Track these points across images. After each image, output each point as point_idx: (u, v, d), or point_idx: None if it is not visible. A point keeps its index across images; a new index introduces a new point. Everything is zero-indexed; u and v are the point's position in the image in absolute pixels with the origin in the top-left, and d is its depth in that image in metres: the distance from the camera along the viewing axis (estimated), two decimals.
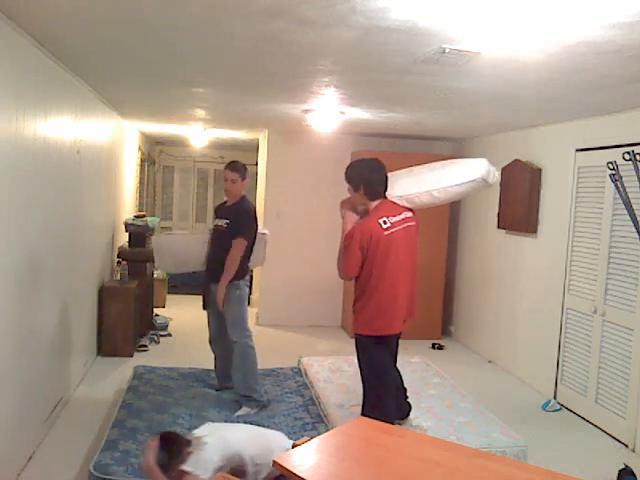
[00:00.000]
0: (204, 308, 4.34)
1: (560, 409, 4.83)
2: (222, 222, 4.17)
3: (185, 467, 2.44)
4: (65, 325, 4.24)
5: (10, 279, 3.07)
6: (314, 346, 6.37)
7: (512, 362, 5.74)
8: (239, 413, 4.01)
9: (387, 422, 2.92)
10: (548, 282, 5.17)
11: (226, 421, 3.85)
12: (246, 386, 4.08)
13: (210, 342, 4.42)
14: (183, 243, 4.48)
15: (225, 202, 4.40)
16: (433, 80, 3.61)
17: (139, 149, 8.40)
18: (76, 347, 4.66)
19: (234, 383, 4.18)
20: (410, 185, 3.46)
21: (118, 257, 6.06)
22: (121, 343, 5.49)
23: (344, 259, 3.35)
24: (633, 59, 2.84)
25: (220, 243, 4.13)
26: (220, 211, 4.32)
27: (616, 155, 4.20)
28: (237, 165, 4.22)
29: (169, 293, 7.88)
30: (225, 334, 4.16)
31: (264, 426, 3.79)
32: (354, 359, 5.11)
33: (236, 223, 4.11)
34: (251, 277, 8.32)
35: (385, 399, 3.47)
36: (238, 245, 4.03)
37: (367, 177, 3.34)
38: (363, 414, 3.38)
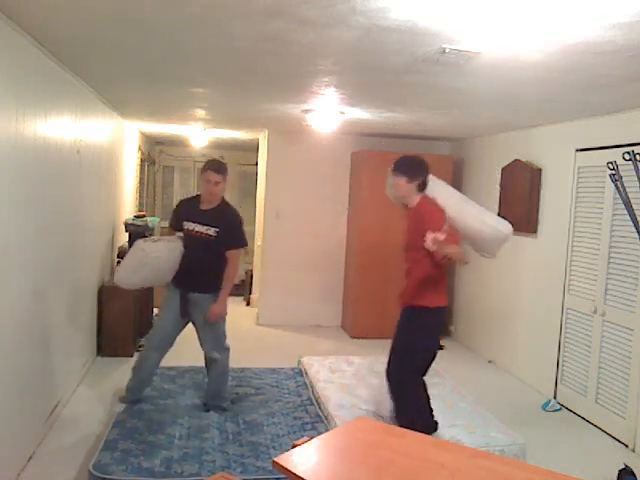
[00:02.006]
0: (182, 316, 4.00)
1: (560, 409, 4.83)
2: (207, 229, 3.88)
3: None
4: (65, 325, 4.24)
5: (9, 279, 3.07)
6: (314, 346, 6.37)
7: (512, 362, 5.74)
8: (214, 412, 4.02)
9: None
10: (548, 282, 5.17)
11: (226, 420, 3.85)
12: (219, 397, 4.09)
13: (151, 349, 4.07)
14: (168, 251, 3.94)
15: (193, 200, 4.07)
16: (433, 80, 3.61)
17: (139, 149, 8.40)
18: (76, 347, 4.67)
19: (207, 392, 4.15)
20: (447, 197, 3.72)
21: (118, 257, 6.06)
22: (121, 343, 5.49)
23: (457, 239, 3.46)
24: (633, 59, 2.84)
25: (205, 251, 3.89)
26: (197, 215, 3.94)
27: (616, 155, 4.19)
28: (222, 165, 3.96)
29: None
30: (171, 343, 4.07)
31: (264, 425, 3.80)
32: (354, 359, 5.14)
33: (230, 232, 3.90)
34: (251, 277, 8.40)
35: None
36: (239, 256, 3.96)
37: (425, 174, 3.61)
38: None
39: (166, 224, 4.57)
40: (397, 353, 3.61)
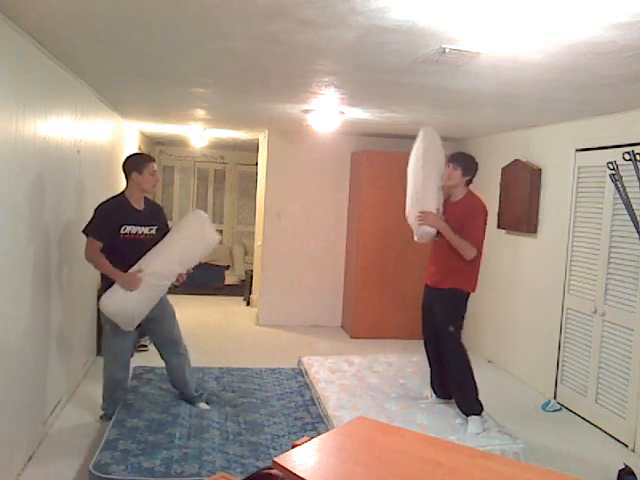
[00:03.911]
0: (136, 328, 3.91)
1: (560, 409, 4.83)
2: (149, 230, 3.85)
3: None
4: (65, 325, 4.24)
5: (10, 279, 3.07)
6: (314, 346, 6.37)
7: (512, 362, 5.74)
8: (208, 407, 4.07)
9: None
10: (548, 282, 5.17)
11: (226, 420, 3.85)
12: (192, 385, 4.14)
13: (120, 370, 4.05)
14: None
15: (120, 202, 3.85)
16: (433, 80, 3.61)
17: (139, 149, 8.39)
18: (76, 347, 4.67)
19: (191, 385, 4.12)
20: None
21: None
22: None
23: (477, 235, 3.85)
24: (633, 59, 2.84)
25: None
26: (135, 217, 3.81)
27: (616, 155, 4.19)
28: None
29: (168, 293, 7.85)
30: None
31: (264, 426, 3.80)
32: (354, 359, 5.14)
33: (164, 225, 3.97)
34: (251, 277, 8.41)
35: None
36: None
37: (476, 170, 4.02)
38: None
39: None
40: (446, 330, 4.04)
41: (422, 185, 3.96)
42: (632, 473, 3.50)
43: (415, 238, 4.11)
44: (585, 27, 2.43)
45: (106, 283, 3.80)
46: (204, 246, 3.99)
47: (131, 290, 3.64)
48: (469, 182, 3.99)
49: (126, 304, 3.67)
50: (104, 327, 3.98)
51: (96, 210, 3.84)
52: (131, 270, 3.69)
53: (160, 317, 3.98)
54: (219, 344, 6.25)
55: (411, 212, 4.05)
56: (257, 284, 7.77)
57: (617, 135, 4.35)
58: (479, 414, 3.85)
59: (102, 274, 3.86)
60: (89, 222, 3.81)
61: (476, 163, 4.03)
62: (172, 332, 4.05)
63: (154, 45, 3.19)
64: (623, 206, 4.11)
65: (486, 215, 3.95)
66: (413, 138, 7.01)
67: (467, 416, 3.86)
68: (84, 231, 3.82)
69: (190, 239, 3.89)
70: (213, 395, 4.29)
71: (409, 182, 4.08)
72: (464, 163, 3.95)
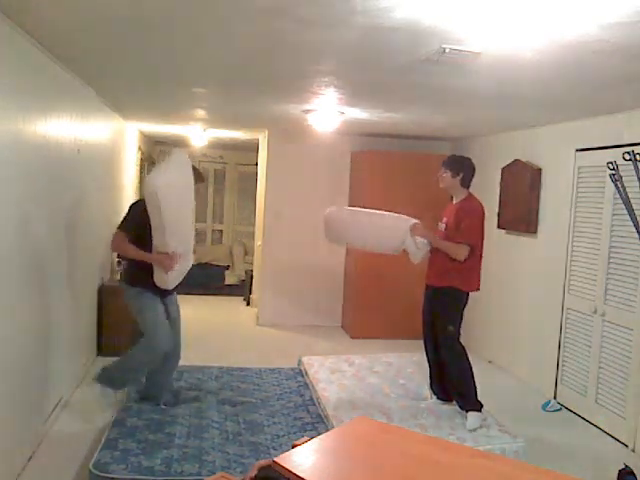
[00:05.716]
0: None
1: (560, 409, 4.83)
2: None
3: None
4: (65, 325, 4.24)
5: (10, 279, 3.07)
6: (314, 346, 6.36)
7: (512, 362, 5.74)
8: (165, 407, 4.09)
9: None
10: (548, 282, 5.17)
11: (226, 420, 3.85)
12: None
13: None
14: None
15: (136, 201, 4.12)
16: (433, 80, 3.61)
17: (139, 149, 8.39)
18: (76, 347, 4.67)
19: (170, 385, 4.20)
20: None
21: (118, 257, 6.05)
22: (121, 343, 5.47)
23: (471, 234, 3.87)
24: (633, 59, 2.84)
25: None
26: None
27: (616, 155, 4.19)
28: None
29: None
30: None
31: (264, 425, 3.80)
32: (354, 359, 5.14)
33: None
34: (251, 277, 8.41)
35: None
36: None
37: (470, 170, 4.06)
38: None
39: None
40: (445, 329, 4.07)
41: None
42: (632, 473, 3.50)
43: (416, 261, 4.11)
44: (585, 27, 2.43)
45: (130, 268, 4.00)
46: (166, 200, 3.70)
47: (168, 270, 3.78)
48: (465, 182, 4.02)
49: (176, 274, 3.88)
50: (132, 308, 3.97)
51: (130, 207, 4.01)
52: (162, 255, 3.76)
53: (174, 318, 4.07)
54: (219, 344, 6.24)
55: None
56: (257, 284, 7.77)
57: (617, 135, 4.35)
58: (479, 411, 3.86)
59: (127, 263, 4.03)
60: (124, 218, 3.94)
61: (468, 163, 4.07)
62: (177, 335, 4.11)
63: (154, 45, 3.19)
64: (623, 206, 4.11)
65: (483, 217, 3.98)
66: (413, 138, 7.10)
67: (466, 412, 3.87)
68: (119, 227, 3.93)
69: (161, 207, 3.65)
70: (213, 394, 4.29)
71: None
72: (451, 165, 4.02)
